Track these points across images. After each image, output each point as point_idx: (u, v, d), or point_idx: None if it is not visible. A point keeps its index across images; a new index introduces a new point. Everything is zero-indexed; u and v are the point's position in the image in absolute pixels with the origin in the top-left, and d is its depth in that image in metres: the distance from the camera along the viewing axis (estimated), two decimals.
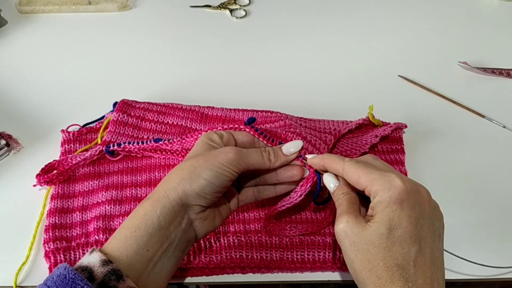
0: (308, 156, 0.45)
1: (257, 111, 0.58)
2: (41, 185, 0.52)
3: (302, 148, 0.45)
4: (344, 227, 0.38)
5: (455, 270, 0.48)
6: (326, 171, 0.44)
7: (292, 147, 0.44)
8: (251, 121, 0.46)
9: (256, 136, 0.46)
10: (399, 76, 0.65)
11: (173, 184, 0.41)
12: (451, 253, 0.46)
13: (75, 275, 0.35)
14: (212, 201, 0.42)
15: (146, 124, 0.56)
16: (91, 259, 0.37)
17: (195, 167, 0.41)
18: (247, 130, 0.46)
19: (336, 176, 0.43)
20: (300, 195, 0.44)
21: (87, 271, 0.36)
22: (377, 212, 0.37)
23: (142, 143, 0.52)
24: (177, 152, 0.53)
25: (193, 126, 0.56)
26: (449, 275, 0.47)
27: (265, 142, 0.46)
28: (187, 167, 0.41)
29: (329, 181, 0.43)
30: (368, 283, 0.37)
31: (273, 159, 0.44)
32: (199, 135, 0.48)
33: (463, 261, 0.47)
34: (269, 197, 0.48)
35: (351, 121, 0.56)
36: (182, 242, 0.41)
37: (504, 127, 0.59)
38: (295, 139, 0.50)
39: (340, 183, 0.43)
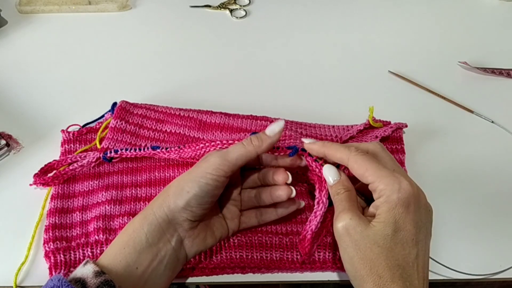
0: (305, 140, 0.44)
1: (256, 118, 0.58)
2: (37, 185, 0.52)
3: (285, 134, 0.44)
4: (347, 225, 0.38)
5: (452, 274, 0.48)
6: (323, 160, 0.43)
7: (275, 126, 0.42)
8: None
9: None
10: (397, 75, 0.65)
11: (159, 201, 0.41)
12: (440, 263, 0.47)
13: (69, 286, 0.35)
14: (200, 214, 0.41)
15: (144, 132, 0.56)
16: (85, 270, 0.37)
17: (179, 181, 0.41)
18: None
19: (338, 170, 0.42)
20: (324, 202, 0.43)
21: (80, 283, 0.36)
22: (382, 212, 0.37)
23: (140, 150, 0.52)
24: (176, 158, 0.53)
25: (191, 134, 0.56)
26: (450, 275, 0.47)
27: (269, 153, 0.45)
28: (173, 184, 0.42)
29: (328, 174, 0.42)
30: (368, 281, 0.37)
31: (256, 142, 0.42)
32: (197, 147, 0.48)
33: (460, 261, 0.47)
34: (271, 219, 0.48)
35: (351, 126, 0.56)
36: (173, 261, 0.41)
37: (492, 122, 0.59)
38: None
39: (341, 178, 0.41)
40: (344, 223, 0.38)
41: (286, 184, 0.44)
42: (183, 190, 0.40)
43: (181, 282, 0.48)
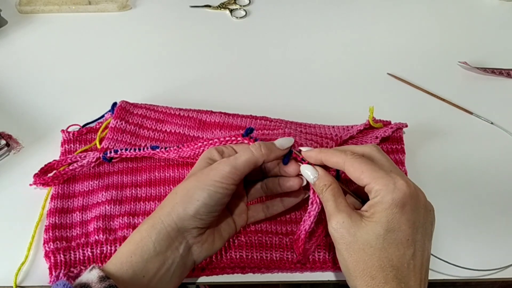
0: (303, 149, 0.44)
1: (256, 118, 0.58)
2: (37, 185, 0.52)
3: (294, 145, 0.44)
4: (340, 228, 0.38)
5: (453, 270, 0.48)
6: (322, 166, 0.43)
7: (285, 142, 0.43)
8: (248, 132, 0.45)
9: None
10: (392, 76, 0.65)
11: (167, 209, 0.40)
12: (441, 259, 0.46)
13: None
14: (209, 221, 0.41)
15: (144, 132, 0.56)
16: (90, 276, 0.37)
17: (188, 189, 0.40)
18: (245, 141, 0.45)
19: (314, 166, 0.42)
20: (317, 202, 0.43)
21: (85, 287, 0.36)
22: (376, 212, 0.37)
23: (139, 149, 0.52)
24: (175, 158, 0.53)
25: (191, 133, 0.56)
26: (450, 276, 0.47)
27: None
28: (180, 191, 0.41)
29: (308, 173, 0.42)
30: (361, 282, 0.37)
31: (264, 150, 0.42)
32: (195, 145, 0.48)
33: (459, 261, 0.47)
34: (278, 212, 0.48)
35: (351, 126, 0.56)
36: (180, 268, 0.41)
37: (492, 123, 0.59)
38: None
39: (319, 174, 0.42)
40: (336, 226, 0.38)
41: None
42: (192, 198, 0.40)
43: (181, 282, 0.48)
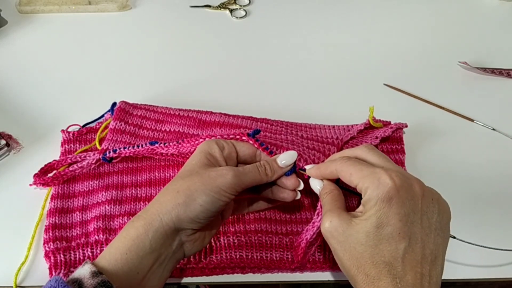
0: (307, 167, 0.44)
1: (256, 120, 0.58)
2: (37, 185, 0.52)
3: (297, 159, 0.44)
4: (329, 227, 0.38)
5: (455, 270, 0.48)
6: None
7: (285, 159, 0.44)
8: (255, 133, 0.45)
9: (260, 149, 0.45)
10: (390, 87, 0.65)
11: (167, 207, 0.40)
12: (462, 240, 0.46)
13: (65, 287, 0.35)
14: (205, 224, 0.42)
15: (144, 132, 0.56)
16: (82, 271, 0.37)
17: (192, 191, 0.40)
18: (251, 142, 0.45)
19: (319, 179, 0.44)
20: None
21: (77, 283, 0.36)
22: (366, 210, 0.37)
23: (138, 146, 0.52)
24: (175, 155, 0.53)
25: (190, 132, 0.56)
26: (450, 275, 0.47)
27: (268, 156, 0.45)
28: (183, 190, 0.40)
29: (315, 185, 0.43)
30: (357, 280, 0.37)
31: (269, 173, 0.43)
32: (196, 141, 0.47)
33: (464, 262, 0.47)
34: (261, 209, 0.48)
35: (352, 126, 0.56)
36: (171, 262, 0.41)
37: (493, 129, 0.59)
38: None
39: (324, 183, 0.43)
40: (326, 225, 0.39)
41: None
42: (195, 202, 0.40)
43: (181, 282, 0.48)
